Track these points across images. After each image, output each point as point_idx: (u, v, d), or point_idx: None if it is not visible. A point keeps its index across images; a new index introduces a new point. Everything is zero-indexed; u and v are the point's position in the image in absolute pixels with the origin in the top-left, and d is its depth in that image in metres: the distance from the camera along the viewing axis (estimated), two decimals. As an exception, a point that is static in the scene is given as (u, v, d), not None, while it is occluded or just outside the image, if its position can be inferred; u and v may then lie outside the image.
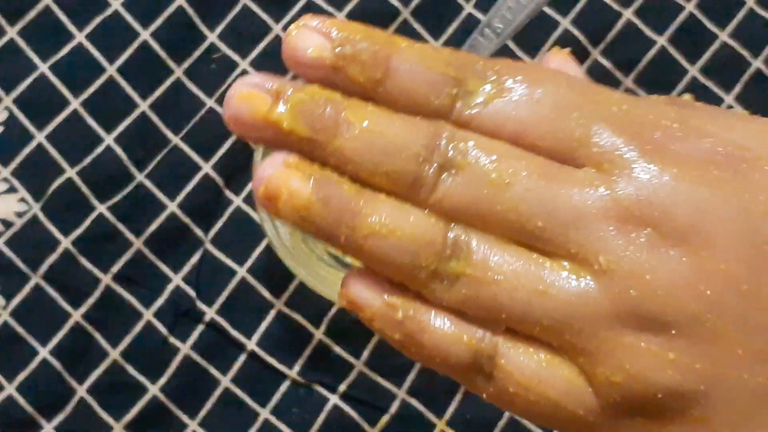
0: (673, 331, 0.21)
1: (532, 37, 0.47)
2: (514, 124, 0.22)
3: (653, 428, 0.22)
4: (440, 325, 0.22)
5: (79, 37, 0.46)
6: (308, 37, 0.22)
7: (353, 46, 0.22)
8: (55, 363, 0.42)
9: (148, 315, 0.43)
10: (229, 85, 0.45)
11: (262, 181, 0.22)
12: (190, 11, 0.47)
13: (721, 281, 0.21)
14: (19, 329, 0.42)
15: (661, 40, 0.48)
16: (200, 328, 0.43)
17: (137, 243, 0.44)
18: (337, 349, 0.44)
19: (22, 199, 0.44)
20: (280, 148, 0.22)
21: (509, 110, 0.22)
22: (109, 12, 0.46)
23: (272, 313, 0.44)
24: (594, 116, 0.22)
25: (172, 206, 0.44)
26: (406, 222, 0.22)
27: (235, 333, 0.43)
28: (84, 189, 0.44)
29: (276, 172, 0.22)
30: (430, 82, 0.22)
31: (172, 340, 0.43)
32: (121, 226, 0.44)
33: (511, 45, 0.47)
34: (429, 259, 0.22)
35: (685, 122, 0.22)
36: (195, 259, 0.44)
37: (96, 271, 0.43)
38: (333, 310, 0.44)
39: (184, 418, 0.42)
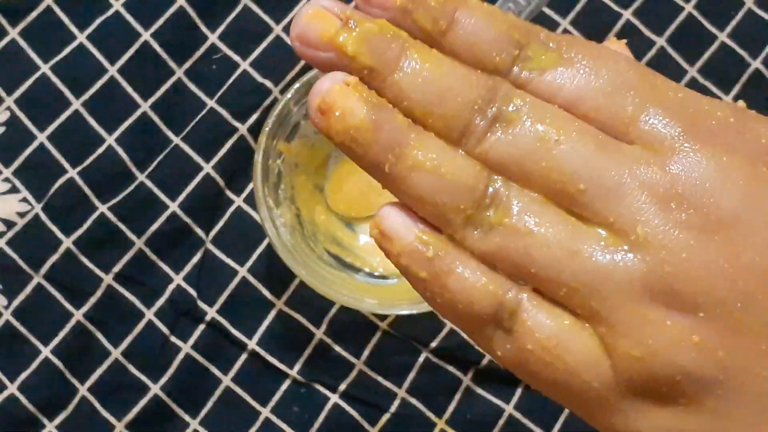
0: (701, 314, 0.21)
1: (531, 37, 0.47)
2: (569, 93, 0.22)
3: (663, 414, 0.22)
4: (469, 270, 0.22)
5: (81, 37, 0.46)
6: None
7: None
8: (57, 362, 0.42)
9: (149, 314, 0.43)
10: (230, 85, 0.46)
11: (320, 94, 0.22)
12: (191, 12, 0.47)
13: (756, 275, 0.21)
14: (21, 329, 0.43)
15: (661, 41, 0.48)
16: (201, 327, 0.43)
17: (138, 243, 0.44)
18: (338, 349, 0.44)
19: (24, 199, 0.44)
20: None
21: (566, 79, 0.22)
22: (110, 13, 0.46)
23: (273, 313, 0.44)
24: (650, 98, 0.22)
25: (173, 206, 0.44)
26: (452, 163, 0.22)
27: (235, 332, 0.43)
28: (85, 189, 0.44)
29: (335, 87, 0.22)
30: (493, 40, 0.22)
31: (173, 339, 0.43)
32: (122, 226, 0.44)
33: (511, 45, 0.47)
34: (467, 204, 0.22)
35: (740, 118, 0.22)
36: (196, 258, 0.44)
37: (97, 271, 0.43)
38: (333, 310, 0.44)
39: (186, 417, 0.43)
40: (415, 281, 0.23)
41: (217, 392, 0.43)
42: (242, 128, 0.45)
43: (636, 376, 0.21)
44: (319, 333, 0.44)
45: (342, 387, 0.43)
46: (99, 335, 0.43)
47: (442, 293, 0.23)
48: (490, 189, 0.22)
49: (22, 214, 0.44)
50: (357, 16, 0.22)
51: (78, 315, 0.43)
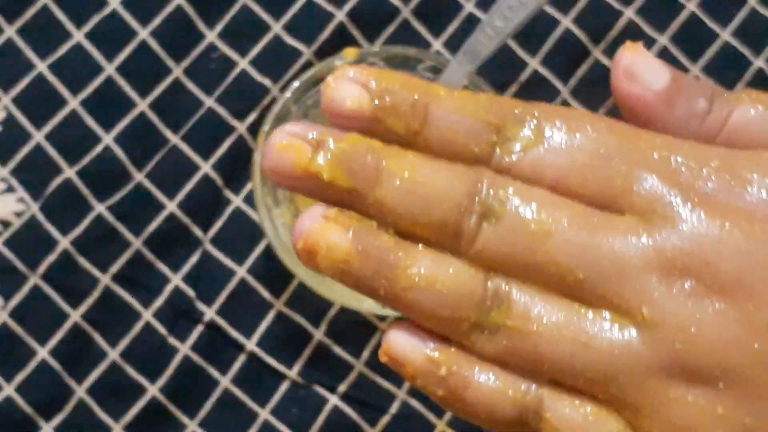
0: (721, 385, 0.21)
1: (532, 35, 0.47)
2: (554, 171, 0.22)
3: None
4: (484, 379, 0.22)
5: (78, 35, 0.46)
6: (347, 89, 0.22)
7: (392, 96, 0.22)
8: (54, 363, 0.42)
9: (147, 315, 0.43)
10: (229, 84, 0.45)
11: (301, 235, 0.22)
12: (189, 10, 0.46)
13: None
14: (18, 329, 0.42)
15: (663, 39, 0.48)
16: (199, 328, 0.43)
17: (136, 243, 0.44)
18: (337, 350, 0.44)
19: (21, 199, 0.44)
20: (320, 199, 0.22)
21: (549, 158, 0.22)
22: (107, 11, 0.46)
23: (272, 314, 0.44)
24: (635, 163, 0.22)
25: (172, 206, 0.44)
26: (446, 273, 0.22)
27: (234, 333, 0.43)
28: (83, 189, 0.44)
29: (315, 226, 0.22)
30: (469, 130, 0.22)
31: (172, 340, 0.43)
32: (120, 226, 0.44)
33: (512, 44, 0.47)
34: (469, 311, 0.22)
35: (729, 170, 0.22)
36: (194, 259, 0.44)
37: (95, 271, 0.43)
38: (332, 311, 0.44)
39: (184, 418, 0.42)
40: (434, 398, 0.23)
41: (216, 393, 0.43)
42: (241, 127, 0.45)
43: None
44: (319, 334, 0.44)
45: (341, 388, 0.43)
46: (96, 336, 0.43)
47: (463, 407, 0.22)
48: (490, 289, 0.22)
49: (18, 214, 0.44)
50: (327, 137, 0.22)
51: (75, 316, 0.43)
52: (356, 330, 0.44)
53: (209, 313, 0.43)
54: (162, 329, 0.43)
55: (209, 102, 0.45)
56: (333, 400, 0.43)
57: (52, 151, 0.44)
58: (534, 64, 0.47)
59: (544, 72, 0.47)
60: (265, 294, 0.44)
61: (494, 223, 0.22)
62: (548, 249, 0.21)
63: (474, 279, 0.22)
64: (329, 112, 0.22)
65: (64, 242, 0.43)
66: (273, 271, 0.44)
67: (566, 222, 0.21)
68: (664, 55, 0.47)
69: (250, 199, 0.45)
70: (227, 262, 0.44)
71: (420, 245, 0.22)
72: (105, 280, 0.43)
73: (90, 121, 0.45)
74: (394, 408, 0.43)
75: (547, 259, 0.21)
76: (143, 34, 0.46)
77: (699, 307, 0.21)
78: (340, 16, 0.47)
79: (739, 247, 0.21)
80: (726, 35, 0.48)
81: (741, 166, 0.22)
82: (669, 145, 0.22)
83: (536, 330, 0.22)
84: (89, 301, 0.43)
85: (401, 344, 0.23)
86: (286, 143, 0.22)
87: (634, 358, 0.21)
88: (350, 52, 0.42)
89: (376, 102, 0.22)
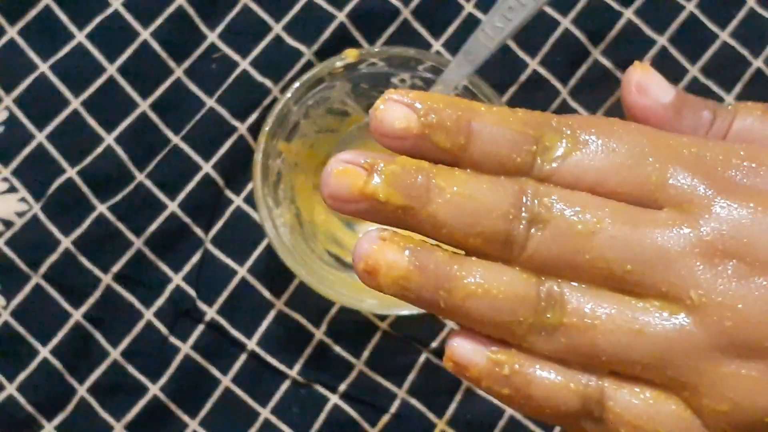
0: None
1: (532, 36, 0.47)
2: (593, 175, 0.23)
3: None
4: (546, 375, 0.23)
5: (80, 36, 0.46)
6: (395, 110, 0.24)
7: (437, 114, 0.24)
8: (56, 363, 0.42)
9: (148, 315, 0.43)
10: (230, 84, 0.45)
11: (361, 258, 0.23)
12: (191, 11, 0.47)
13: None
14: (20, 329, 0.43)
15: (662, 40, 0.48)
16: (200, 327, 0.43)
17: (137, 243, 0.44)
18: (337, 349, 0.44)
19: (23, 199, 0.44)
20: (376, 220, 0.24)
21: (587, 162, 0.24)
22: (109, 12, 0.46)
23: (272, 313, 0.44)
24: (668, 160, 0.23)
25: (173, 206, 0.44)
26: (500, 280, 0.23)
27: (235, 333, 0.43)
28: (84, 189, 0.44)
29: (373, 247, 0.23)
30: (510, 142, 0.24)
31: (173, 339, 0.43)
32: (121, 226, 0.44)
33: (512, 45, 0.47)
34: (526, 314, 0.23)
35: (754, 158, 0.23)
36: (195, 258, 0.44)
37: (96, 271, 0.43)
38: (333, 310, 0.44)
39: (185, 417, 0.43)
40: (500, 398, 0.24)
41: (217, 393, 0.43)
42: (242, 128, 0.45)
43: (728, 428, 0.23)
44: (319, 333, 0.44)
45: (342, 387, 0.43)
46: (98, 335, 0.43)
47: (528, 403, 0.24)
48: (543, 292, 0.23)
49: (20, 214, 0.44)
50: (378, 161, 0.23)
51: (77, 315, 0.43)
52: (356, 330, 0.44)
53: (210, 312, 0.43)
54: (163, 329, 0.43)
55: (210, 102, 0.46)
56: (333, 399, 0.43)
57: (53, 151, 0.44)
58: (534, 64, 0.47)
59: (544, 72, 0.47)
60: (266, 294, 0.44)
61: (542, 228, 0.23)
62: (595, 246, 0.23)
63: (527, 283, 0.23)
64: (380, 132, 0.24)
65: (65, 242, 0.43)
66: (274, 271, 0.44)
67: (609, 220, 0.23)
68: (664, 55, 0.48)
69: (250, 199, 0.45)
70: (228, 261, 0.44)
71: (473, 257, 0.24)
72: (106, 279, 0.43)
73: (92, 122, 0.45)
74: (394, 407, 0.43)
75: (595, 256, 0.23)
76: (144, 34, 0.46)
77: (743, 284, 0.22)
78: (341, 16, 0.47)
79: None
80: (725, 36, 0.48)
81: (764, 154, 0.24)
82: (696, 143, 0.24)
83: (592, 324, 0.23)
84: (91, 301, 0.43)
85: (464, 349, 0.24)
86: (342, 169, 0.23)
87: (687, 341, 0.22)
88: (351, 53, 0.42)
89: (423, 120, 0.24)
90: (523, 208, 0.23)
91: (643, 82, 0.25)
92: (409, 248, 0.23)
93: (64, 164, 0.44)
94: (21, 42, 0.46)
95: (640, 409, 0.23)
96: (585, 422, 0.24)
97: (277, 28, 0.47)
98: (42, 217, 0.44)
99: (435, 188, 0.23)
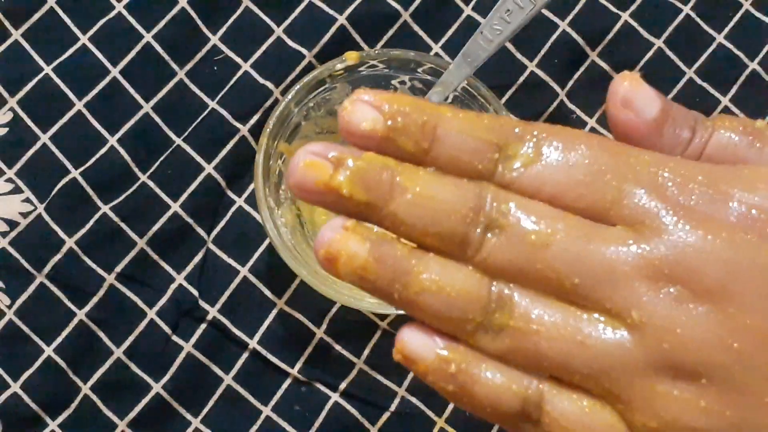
0: (704, 381, 0.22)
1: (530, 39, 0.47)
2: (551, 187, 0.24)
3: None
4: (490, 376, 0.24)
5: (83, 39, 0.46)
6: (362, 111, 0.24)
7: (403, 117, 0.24)
8: (60, 361, 0.42)
9: (151, 314, 0.43)
10: (232, 86, 0.46)
11: (323, 245, 0.24)
12: (193, 13, 0.47)
13: (747, 335, 0.22)
14: (24, 328, 0.43)
15: (658, 43, 0.48)
16: (203, 326, 0.44)
17: (140, 243, 0.44)
18: (338, 348, 0.44)
19: (27, 200, 0.44)
20: (339, 212, 0.24)
21: (546, 174, 0.24)
22: (112, 14, 0.47)
23: (274, 312, 0.44)
24: (626, 178, 0.24)
25: (175, 206, 0.45)
26: (454, 279, 0.24)
27: (237, 332, 0.44)
28: (88, 189, 0.44)
29: (335, 236, 0.24)
30: (473, 148, 0.24)
31: (175, 338, 0.43)
32: (124, 226, 0.44)
33: (510, 47, 0.47)
34: (475, 312, 0.24)
35: (713, 185, 0.23)
36: (198, 258, 0.44)
37: (100, 271, 0.44)
38: (334, 309, 0.44)
39: (187, 415, 0.43)
40: (444, 393, 0.24)
41: (219, 391, 0.43)
42: (243, 129, 0.46)
43: None
44: (320, 332, 0.44)
45: (342, 386, 0.44)
46: (101, 334, 0.43)
47: (471, 401, 0.24)
48: (494, 293, 0.24)
49: (24, 214, 0.44)
50: (346, 156, 0.24)
51: (80, 314, 0.43)
52: (357, 328, 0.44)
53: (212, 311, 0.44)
54: (166, 328, 0.43)
55: (212, 104, 0.46)
56: (334, 397, 0.43)
57: (57, 153, 0.45)
58: (532, 66, 0.47)
59: (542, 75, 0.47)
60: (268, 293, 0.44)
61: (498, 233, 0.24)
62: (546, 257, 0.23)
63: (480, 284, 0.24)
64: (346, 132, 0.24)
65: (69, 242, 0.44)
66: (275, 271, 0.44)
67: (563, 233, 0.23)
68: (660, 58, 0.48)
69: (252, 200, 0.45)
70: (230, 261, 0.44)
71: (431, 254, 0.24)
72: (110, 279, 0.44)
73: (95, 123, 0.45)
74: (394, 405, 0.44)
75: (545, 266, 0.23)
76: (147, 37, 0.46)
77: (684, 310, 0.23)
78: (341, 19, 0.47)
79: (721, 256, 0.23)
80: (721, 38, 0.48)
81: (723, 181, 0.24)
82: (657, 162, 0.24)
83: (536, 330, 0.23)
84: (94, 300, 0.43)
85: (414, 343, 0.24)
86: (309, 161, 0.24)
87: (625, 357, 0.23)
88: (351, 56, 0.42)
89: (389, 123, 0.24)
90: (482, 212, 0.24)
91: (629, 96, 0.25)
92: (370, 240, 0.24)
93: (68, 165, 0.45)
94: (25, 45, 0.46)
95: (575, 415, 0.24)
96: (523, 424, 0.24)
97: (279, 31, 0.47)
98: (46, 217, 0.44)
99: (398, 187, 0.24)
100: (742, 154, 0.25)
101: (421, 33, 0.48)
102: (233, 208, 0.45)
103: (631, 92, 0.26)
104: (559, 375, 0.24)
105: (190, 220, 0.45)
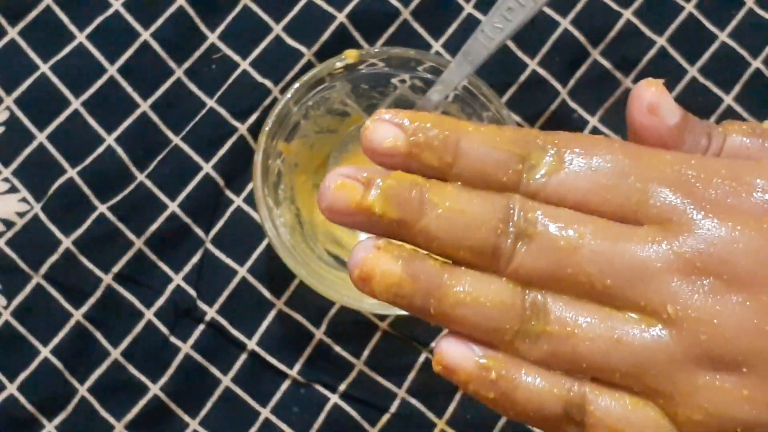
0: (745, 369, 0.23)
1: (531, 37, 0.47)
2: (577, 193, 0.24)
3: None
4: (531, 380, 0.24)
5: (80, 37, 0.46)
6: (384, 129, 0.25)
7: (425, 133, 0.25)
8: (57, 362, 0.42)
9: (149, 315, 0.43)
10: (230, 85, 0.46)
11: (356, 265, 0.25)
12: (191, 11, 0.47)
13: None
14: (21, 329, 0.43)
15: (661, 41, 0.48)
16: (201, 327, 0.43)
17: (138, 243, 0.44)
18: (338, 349, 0.44)
19: (24, 199, 0.44)
20: (372, 231, 0.25)
21: (571, 180, 0.24)
22: (109, 12, 0.46)
23: (273, 313, 0.44)
24: (649, 178, 0.24)
25: (173, 206, 0.44)
26: (488, 290, 0.24)
27: (235, 332, 0.43)
28: (85, 189, 0.44)
29: (368, 255, 0.25)
30: (497, 160, 0.25)
31: (173, 339, 0.43)
32: (121, 226, 0.44)
33: (511, 45, 0.47)
34: (512, 321, 0.24)
35: (736, 177, 0.24)
36: (196, 258, 0.44)
37: (97, 271, 0.43)
38: (333, 310, 0.44)
39: (185, 417, 0.43)
40: (486, 401, 0.25)
41: (217, 392, 0.43)
42: (242, 128, 0.45)
43: None
44: (319, 333, 0.44)
45: (342, 387, 0.43)
46: (98, 335, 0.43)
47: (513, 407, 0.25)
48: (528, 301, 0.24)
49: (21, 214, 0.44)
50: (375, 176, 0.24)
51: (77, 315, 0.43)
52: (356, 329, 0.44)
53: (210, 312, 0.44)
54: (164, 328, 0.43)
55: (210, 103, 0.46)
56: (333, 399, 0.43)
57: (54, 152, 0.45)
58: (533, 65, 0.47)
59: (543, 73, 0.47)
60: (266, 293, 0.44)
61: (527, 242, 0.24)
62: (577, 261, 0.24)
63: (513, 293, 0.24)
64: (370, 151, 0.25)
65: (66, 242, 0.43)
66: (274, 271, 0.44)
67: (591, 236, 0.24)
68: (662, 56, 0.48)
69: (251, 200, 0.45)
70: (228, 261, 0.44)
71: (463, 267, 0.25)
72: (107, 279, 0.43)
73: (92, 122, 0.45)
74: (394, 407, 0.43)
75: (576, 270, 0.24)
76: (145, 35, 0.46)
77: (719, 301, 0.23)
78: (341, 17, 0.47)
79: (751, 245, 0.23)
80: (724, 36, 0.48)
81: (745, 173, 0.24)
82: (679, 160, 0.25)
83: (573, 333, 0.24)
84: (91, 301, 0.43)
85: (452, 353, 0.25)
86: (340, 183, 0.24)
87: (663, 352, 0.23)
88: (351, 54, 0.42)
89: (411, 139, 0.25)
90: (511, 223, 0.24)
91: (656, 102, 0.26)
92: (402, 257, 0.24)
93: (65, 164, 0.44)
94: (22, 42, 0.46)
95: (619, 414, 0.24)
96: (567, 426, 0.24)
97: (278, 29, 0.47)
98: (43, 217, 0.44)
99: (428, 203, 0.24)
100: (756, 155, 0.26)
101: (421, 31, 0.47)
102: (232, 208, 0.45)
103: (656, 98, 0.26)
104: (600, 375, 0.24)
105: (188, 220, 0.44)
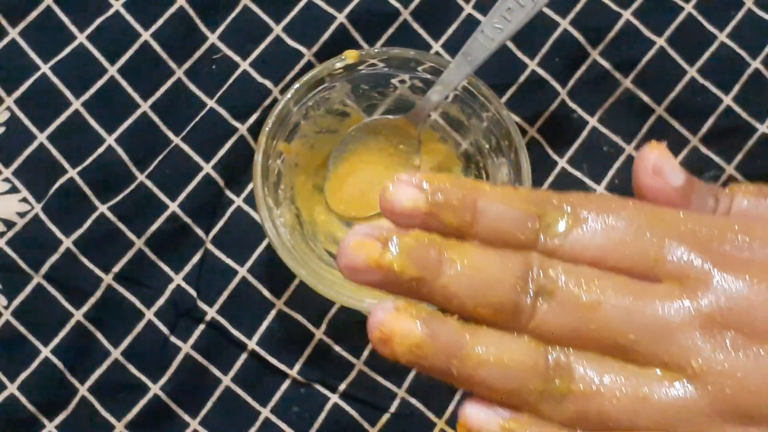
0: None
1: (531, 37, 0.47)
2: (594, 250, 0.25)
3: None
4: None
5: (81, 37, 0.46)
6: (404, 191, 0.25)
7: (444, 194, 0.25)
8: (57, 362, 0.42)
9: (149, 314, 0.43)
10: (230, 85, 0.46)
11: (376, 326, 0.24)
12: (191, 12, 0.47)
13: None
14: (21, 329, 0.43)
15: (660, 41, 0.48)
16: (201, 327, 0.43)
17: (138, 243, 0.44)
18: (337, 349, 0.44)
19: (24, 199, 0.44)
20: (391, 290, 0.25)
21: (587, 239, 0.25)
22: (110, 13, 0.46)
23: (273, 313, 0.44)
24: (665, 235, 0.25)
25: (173, 206, 0.44)
26: (510, 349, 0.24)
27: (235, 332, 0.43)
28: (85, 189, 0.44)
29: (387, 316, 0.24)
30: (514, 219, 0.25)
31: (173, 339, 0.43)
32: (122, 226, 0.44)
33: (511, 45, 0.47)
34: (536, 382, 0.24)
35: (748, 232, 0.25)
36: (196, 258, 0.44)
37: (97, 271, 0.43)
38: (333, 310, 0.44)
39: (186, 417, 0.43)
40: None
41: (217, 392, 0.43)
42: (242, 128, 0.45)
43: None
44: (319, 333, 0.44)
45: (342, 387, 0.43)
46: (99, 335, 0.43)
47: None
48: (551, 360, 0.24)
49: (21, 214, 0.44)
50: (393, 235, 0.25)
51: (78, 315, 0.43)
52: (356, 329, 0.44)
53: (211, 312, 0.44)
54: (164, 328, 0.43)
55: (211, 103, 0.46)
56: (333, 398, 0.43)
57: (54, 152, 0.45)
58: (532, 65, 0.47)
59: (543, 73, 0.47)
60: (266, 293, 0.44)
61: (548, 299, 0.24)
62: (600, 317, 0.24)
63: (536, 352, 0.24)
64: (389, 212, 0.25)
65: (66, 242, 0.43)
66: (274, 271, 0.44)
67: (612, 291, 0.24)
68: (662, 56, 0.48)
69: (251, 200, 0.45)
70: (228, 261, 0.44)
71: (484, 326, 0.25)
72: (107, 279, 0.43)
73: (93, 122, 0.45)
74: (394, 407, 0.43)
75: (600, 326, 0.24)
76: (145, 35, 0.46)
77: (742, 354, 0.23)
78: (341, 18, 0.47)
79: (766, 297, 0.24)
80: (723, 37, 0.48)
81: (757, 228, 0.25)
82: (692, 218, 0.25)
83: (598, 391, 0.24)
84: (92, 301, 0.43)
85: (477, 417, 0.25)
86: (359, 242, 0.24)
87: (690, 407, 0.23)
88: (350, 54, 0.42)
89: (431, 199, 0.25)
90: (530, 280, 0.24)
91: (659, 164, 0.26)
92: (421, 318, 0.24)
93: (65, 165, 0.44)
94: (22, 43, 0.46)
95: None
96: None
97: (278, 29, 0.47)
98: (43, 217, 0.44)
99: (447, 261, 0.24)
100: (765, 214, 0.26)
101: (421, 31, 0.48)
102: (232, 208, 0.45)
103: (660, 161, 0.26)
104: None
105: (188, 220, 0.44)
